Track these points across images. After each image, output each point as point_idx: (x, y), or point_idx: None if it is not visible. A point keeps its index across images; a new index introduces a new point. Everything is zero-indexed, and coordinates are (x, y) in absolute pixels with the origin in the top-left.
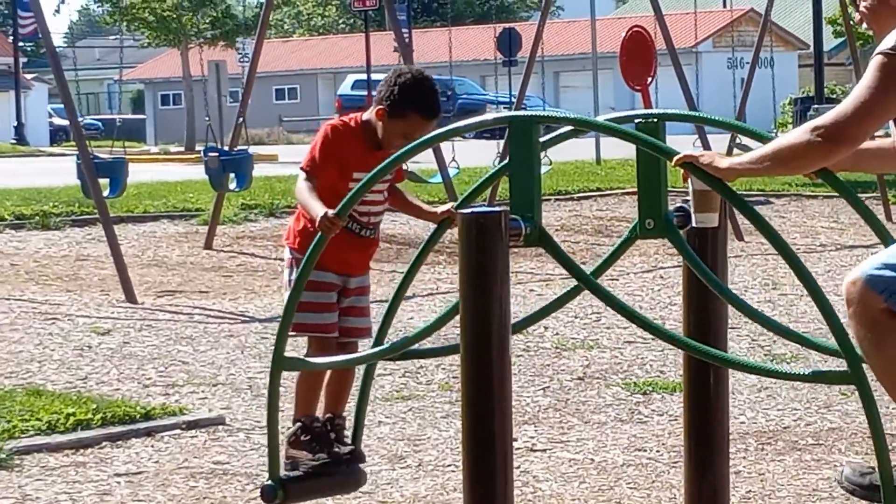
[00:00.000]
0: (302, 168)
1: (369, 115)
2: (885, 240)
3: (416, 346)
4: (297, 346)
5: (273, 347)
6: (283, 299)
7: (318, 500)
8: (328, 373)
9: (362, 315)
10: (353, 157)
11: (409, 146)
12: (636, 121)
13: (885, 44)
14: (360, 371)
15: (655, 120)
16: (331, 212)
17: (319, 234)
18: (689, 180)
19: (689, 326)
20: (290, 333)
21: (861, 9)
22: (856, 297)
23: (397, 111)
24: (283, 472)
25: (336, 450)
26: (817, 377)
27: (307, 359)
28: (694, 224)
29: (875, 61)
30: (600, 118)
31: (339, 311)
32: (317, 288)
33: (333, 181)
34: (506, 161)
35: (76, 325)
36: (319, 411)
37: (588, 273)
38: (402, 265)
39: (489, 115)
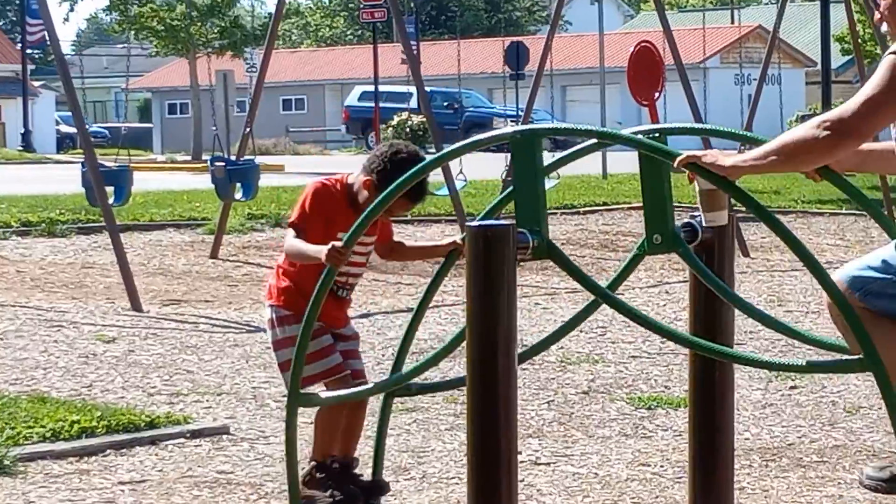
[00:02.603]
0: (290, 223)
1: (354, 180)
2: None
3: (425, 378)
4: None
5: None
6: (274, 358)
7: None
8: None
9: (359, 358)
10: (338, 217)
11: (417, 168)
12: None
13: None
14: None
15: (658, 135)
16: (338, 243)
17: (319, 285)
18: (695, 181)
19: None
20: (305, 386)
21: (882, 9)
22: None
23: (385, 187)
24: None
25: (351, 487)
26: (836, 367)
27: (319, 393)
28: (704, 224)
29: (887, 60)
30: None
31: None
32: (312, 336)
33: (319, 239)
34: (510, 189)
35: (81, 332)
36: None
37: (597, 283)
38: (407, 277)
39: (486, 134)
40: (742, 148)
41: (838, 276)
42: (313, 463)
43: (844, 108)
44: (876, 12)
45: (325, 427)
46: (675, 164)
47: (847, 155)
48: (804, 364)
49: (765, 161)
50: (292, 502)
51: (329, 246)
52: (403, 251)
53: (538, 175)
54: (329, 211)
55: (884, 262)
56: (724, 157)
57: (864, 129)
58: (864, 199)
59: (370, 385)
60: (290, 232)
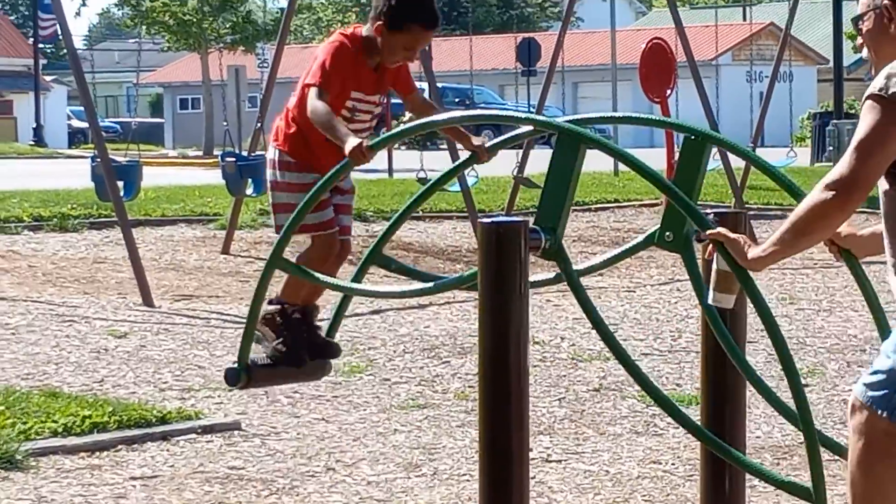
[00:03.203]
0: (311, 84)
1: (368, 31)
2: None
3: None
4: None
5: None
6: (269, 197)
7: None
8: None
9: (350, 213)
10: (354, 74)
11: (449, 117)
12: (685, 134)
13: (873, 86)
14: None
15: (703, 139)
16: (366, 143)
17: (331, 171)
18: (714, 257)
19: (707, 339)
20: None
21: (863, 33)
22: (858, 410)
23: (397, 24)
24: (250, 358)
25: (300, 347)
26: (780, 485)
27: (302, 266)
28: (710, 301)
29: (866, 105)
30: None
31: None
32: (310, 189)
33: (334, 97)
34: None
35: (93, 327)
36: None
37: (600, 263)
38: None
39: (540, 117)
40: (752, 146)
41: (854, 396)
42: (277, 306)
43: (840, 165)
44: (858, 37)
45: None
46: (703, 236)
47: (868, 240)
48: (759, 471)
49: (784, 245)
50: (242, 351)
51: (357, 142)
52: (431, 111)
53: (573, 176)
54: (347, 69)
55: (889, 372)
56: (751, 247)
57: (865, 177)
58: (871, 296)
59: (348, 283)
60: (313, 93)
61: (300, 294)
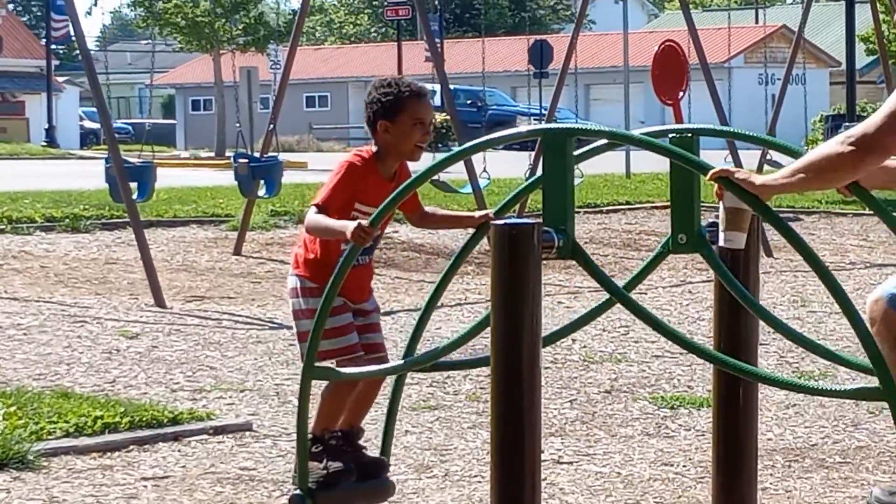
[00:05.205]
0: (315, 204)
1: (374, 145)
2: None
3: (445, 358)
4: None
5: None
6: (294, 327)
7: None
8: (355, 390)
9: (379, 331)
10: (368, 190)
11: (440, 160)
12: (670, 135)
13: None
14: (388, 382)
15: (690, 135)
16: (364, 222)
17: (342, 259)
18: (723, 199)
19: (720, 341)
20: (319, 360)
21: None
22: (878, 316)
23: (393, 113)
24: (310, 483)
25: (346, 462)
26: (849, 393)
27: (337, 368)
28: (722, 243)
29: None
30: (633, 132)
31: (358, 330)
32: (333, 313)
33: (336, 211)
34: (539, 175)
35: (105, 328)
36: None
37: (620, 287)
38: (430, 275)
39: (522, 128)
40: (766, 151)
41: (878, 293)
42: (310, 436)
43: (867, 123)
44: (894, 13)
45: (330, 402)
46: (707, 178)
47: (875, 172)
48: (820, 388)
49: (794, 179)
50: (302, 476)
51: (355, 224)
52: (435, 219)
53: (567, 175)
54: (355, 184)
55: None
56: (756, 175)
57: (888, 143)
58: (889, 217)
59: (389, 364)
60: (313, 210)
61: (334, 423)
